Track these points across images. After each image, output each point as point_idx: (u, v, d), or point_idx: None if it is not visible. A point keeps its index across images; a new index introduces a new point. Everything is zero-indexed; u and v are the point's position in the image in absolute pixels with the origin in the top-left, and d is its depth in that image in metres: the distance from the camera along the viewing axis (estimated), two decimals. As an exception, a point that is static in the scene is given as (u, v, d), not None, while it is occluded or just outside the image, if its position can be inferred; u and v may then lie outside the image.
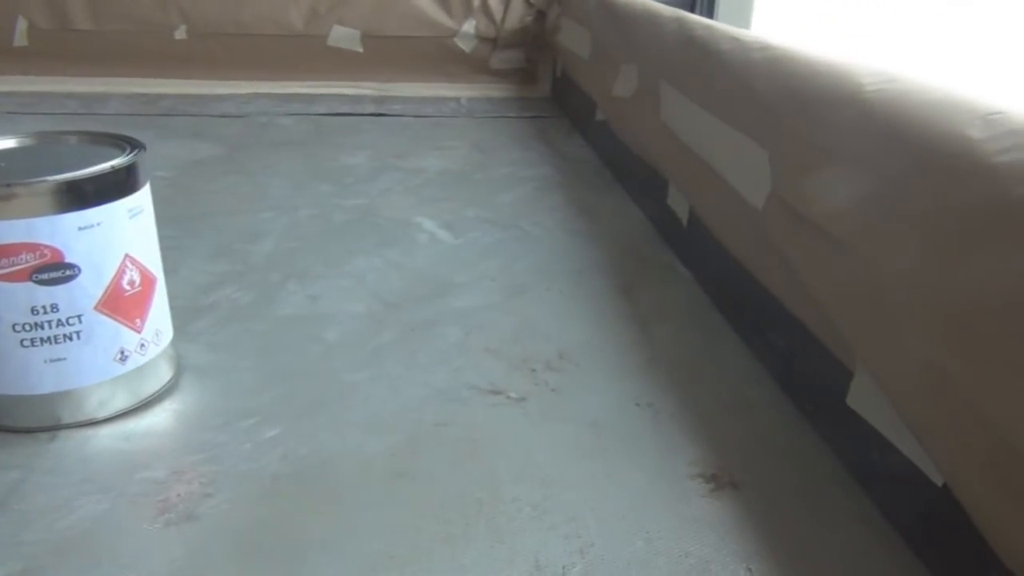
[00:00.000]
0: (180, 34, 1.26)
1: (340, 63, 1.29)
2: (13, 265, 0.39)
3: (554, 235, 0.71)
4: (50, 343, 0.40)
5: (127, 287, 0.42)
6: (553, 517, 0.37)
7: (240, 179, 0.85)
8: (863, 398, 0.37)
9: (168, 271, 0.60)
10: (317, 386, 0.47)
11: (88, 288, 0.40)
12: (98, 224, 0.40)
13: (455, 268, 0.64)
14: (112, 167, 0.40)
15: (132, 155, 0.42)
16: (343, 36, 1.28)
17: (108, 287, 0.41)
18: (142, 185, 0.43)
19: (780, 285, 0.46)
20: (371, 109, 1.19)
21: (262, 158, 0.93)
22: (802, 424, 0.44)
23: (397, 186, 0.84)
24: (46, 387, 0.41)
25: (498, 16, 1.30)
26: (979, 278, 0.28)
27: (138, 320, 0.43)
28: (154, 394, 0.45)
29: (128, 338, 0.43)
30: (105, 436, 0.42)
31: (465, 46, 1.31)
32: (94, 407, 0.43)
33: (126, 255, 0.42)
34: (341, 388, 0.47)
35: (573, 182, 0.87)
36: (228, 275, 0.61)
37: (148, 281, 0.44)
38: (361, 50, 1.29)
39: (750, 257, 0.50)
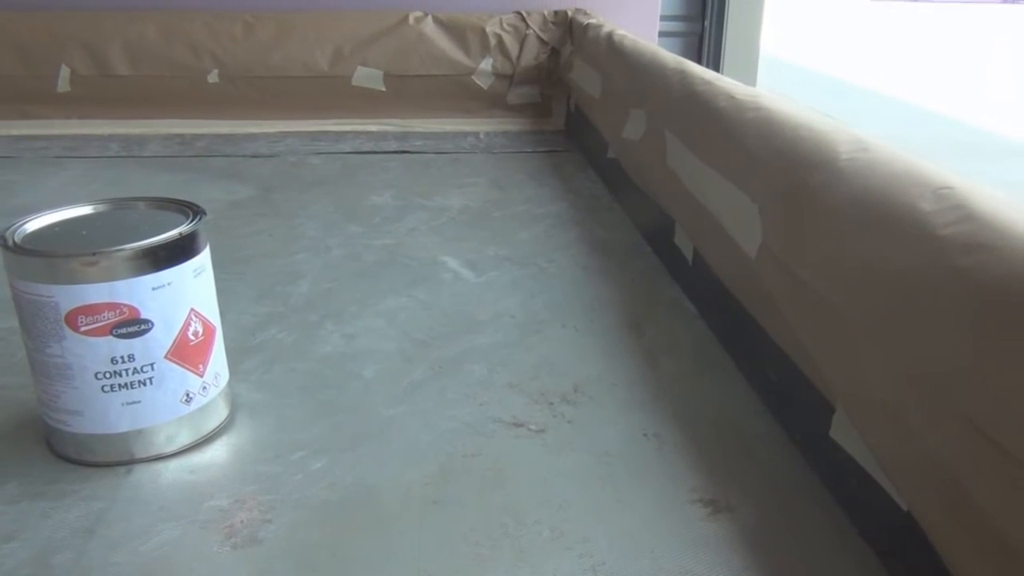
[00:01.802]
0: (213, 77, 1.33)
1: (364, 102, 1.36)
2: (96, 322, 0.44)
3: (568, 272, 0.77)
4: (127, 388, 0.46)
5: (192, 337, 0.48)
6: (569, 539, 0.42)
7: (275, 221, 0.91)
8: (843, 431, 0.42)
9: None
10: (358, 420, 0.52)
11: (160, 340, 0.46)
12: (168, 284, 0.46)
13: (478, 306, 0.69)
14: (180, 234, 0.46)
15: (196, 221, 0.48)
16: (367, 76, 1.35)
17: (176, 338, 0.47)
18: (203, 247, 0.49)
19: (772, 324, 0.51)
20: (394, 146, 1.25)
21: (294, 199, 0.99)
22: (792, 453, 0.49)
23: (422, 225, 0.90)
24: (123, 426, 0.47)
25: (514, 54, 1.36)
26: (927, 336, 0.33)
27: (201, 366, 0.49)
28: (214, 430, 0.51)
29: (192, 382, 0.48)
30: (173, 469, 0.47)
31: (483, 83, 1.37)
32: (163, 443, 0.49)
33: (191, 309, 0.48)
34: (380, 422, 0.52)
35: (586, 218, 0.92)
36: (271, 317, 0.67)
37: (209, 331, 0.49)
38: (384, 89, 1.36)
39: (746, 297, 0.55)
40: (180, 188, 1.04)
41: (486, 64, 1.36)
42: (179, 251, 0.46)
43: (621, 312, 0.68)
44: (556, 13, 1.37)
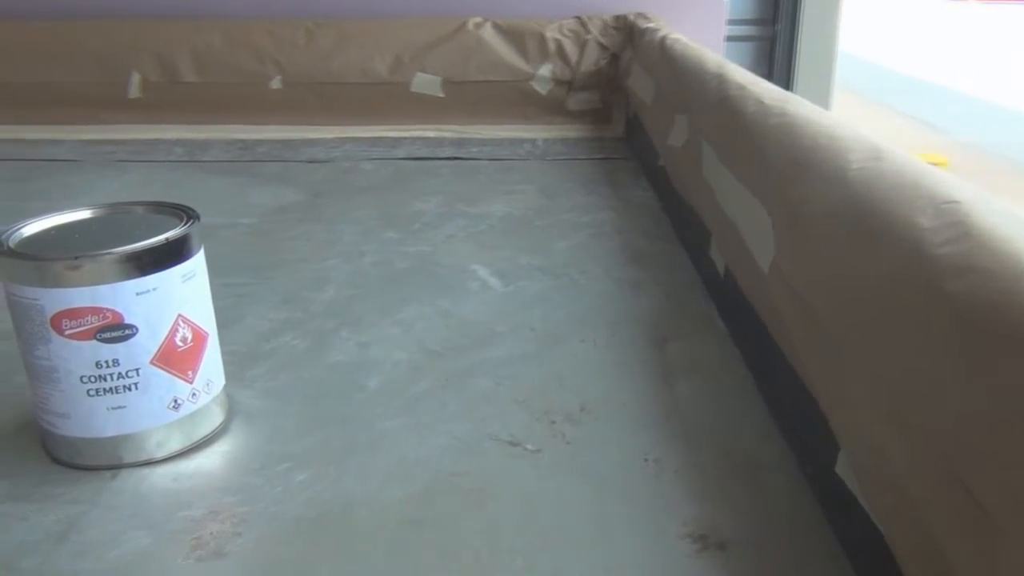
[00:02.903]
0: (276, 84, 1.35)
1: (423, 108, 1.36)
2: (80, 326, 0.44)
3: (600, 284, 0.74)
4: (112, 393, 0.46)
5: (180, 343, 0.47)
6: (540, 571, 0.39)
7: (316, 226, 0.91)
8: (845, 466, 0.39)
9: (235, 319, 0.67)
10: (351, 433, 0.51)
11: (145, 345, 0.46)
12: (153, 289, 0.45)
13: (499, 317, 0.67)
14: (166, 239, 0.46)
15: (185, 227, 0.47)
16: (425, 82, 1.35)
17: (162, 344, 0.46)
18: (196, 252, 0.48)
19: (785, 345, 0.47)
20: (450, 152, 1.24)
21: (340, 204, 0.99)
22: (801, 487, 0.45)
23: (460, 232, 0.89)
24: (109, 431, 0.47)
25: (573, 59, 1.34)
26: (912, 368, 0.29)
27: (190, 372, 0.48)
28: (206, 437, 0.50)
29: (181, 388, 0.48)
30: (158, 475, 0.47)
31: (541, 89, 1.35)
32: (152, 448, 0.48)
33: (179, 315, 0.47)
34: (372, 436, 0.51)
35: (630, 228, 0.89)
36: (288, 323, 0.67)
37: (200, 337, 0.49)
38: (442, 95, 1.35)
39: (763, 314, 0.52)
40: (232, 192, 1.05)
41: (545, 70, 1.34)
42: (165, 256, 0.46)
43: (647, 328, 0.65)
44: (617, 18, 1.34)
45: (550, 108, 1.37)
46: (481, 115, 1.36)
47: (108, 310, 0.44)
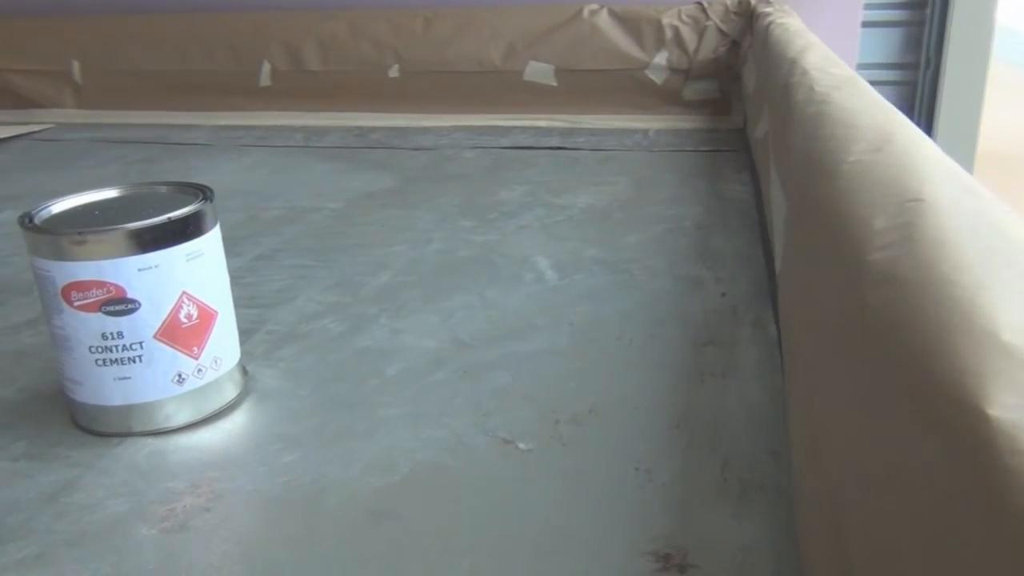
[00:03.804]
0: (394, 72, 1.38)
1: (535, 97, 1.35)
2: (86, 298, 0.46)
3: (658, 281, 0.70)
4: (118, 364, 0.48)
5: (184, 320, 0.49)
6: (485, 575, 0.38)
7: (396, 212, 0.92)
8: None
9: (287, 300, 0.68)
10: (350, 419, 0.51)
11: (148, 319, 0.47)
12: (156, 266, 0.47)
13: (542, 311, 0.65)
14: (168, 219, 0.47)
15: (192, 207, 0.48)
16: (538, 71, 1.33)
17: (165, 319, 0.48)
18: (207, 230, 0.50)
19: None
20: (556, 142, 1.23)
21: (427, 191, 1.00)
22: (791, 515, 0.41)
23: (536, 223, 0.87)
24: (116, 400, 0.49)
25: (691, 47, 1.29)
26: (825, 391, 0.25)
27: (196, 348, 0.50)
28: (216, 411, 0.52)
29: (185, 363, 0.49)
30: (158, 445, 0.49)
31: (657, 78, 1.31)
32: (161, 419, 0.50)
33: (183, 292, 0.48)
34: (371, 423, 0.50)
35: (712, 223, 0.84)
36: (334, 306, 0.67)
37: (207, 315, 0.50)
38: (555, 84, 1.34)
39: (788, 324, 0.47)
40: (332, 177, 1.08)
41: (660, 58, 1.30)
42: (168, 235, 0.47)
43: (692, 329, 0.61)
44: (740, 2, 1.28)
45: (666, 98, 1.32)
46: (594, 104, 1.33)
47: (111, 284, 0.46)
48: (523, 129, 1.31)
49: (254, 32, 1.43)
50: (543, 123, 1.33)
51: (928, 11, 1.40)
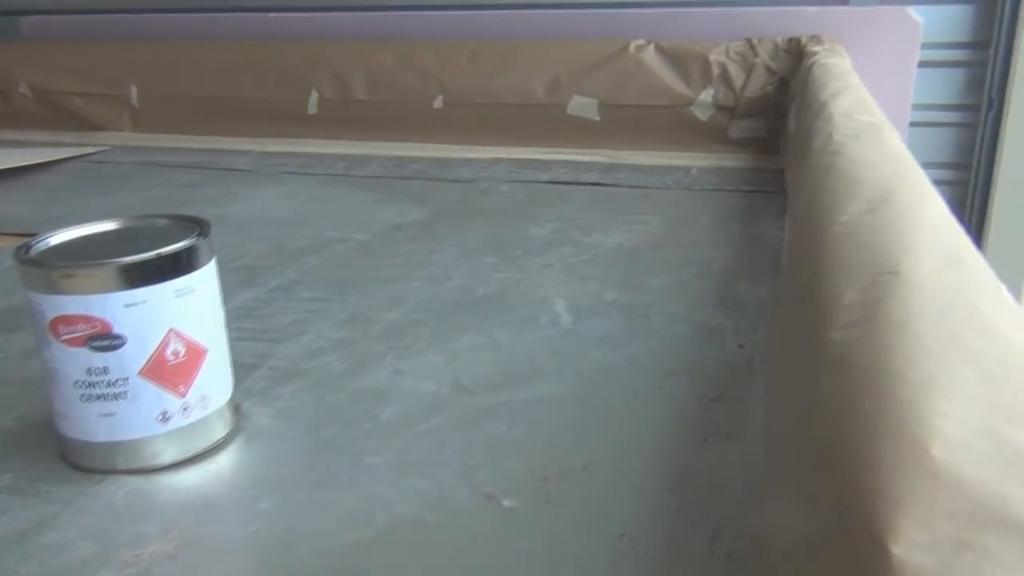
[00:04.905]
0: (438, 103, 1.38)
1: (578, 131, 1.33)
2: (73, 333, 0.46)
3: (675, 327, 0.68)
4: (102, 400, 0.47)
5: (171, 357, 0.48)
6: (438, 646, 0.36)
7: (421, 246, 0.91)
8: None
9: (296, 334, 0.68)
10: (336, 465, 0.50)
11: (133, 356, 0.47)
12: (143, 302, 0.46)
13: (551, 356, 0.63)
14: (157, 255, 0.47)
15: (183, 243, 0.48)
16: (581, 105, 1.32)
17: (151, 356, 0.47)
18: (199, 267, 0.49)
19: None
20: (596, 178, 1.21)
21: (457, 225, 0.99)
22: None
23: (559, 262, 0.85)
24: (100, 436, 0.48)
25: (738, 84, 1.26)
26: (778, 491, 0.23)
27: (182, 386, 0.49)
28: (203, 451, 0.51)
29: (171, 402, 0.49)
30: (139, 485, 0.48)
31: (702, 115, 1.28)
32: (147, 457, 0.49)
33: (171, 329, 0.48)
34: (356, 470, 0.49)
35: (739, 269, 0.81)
36: (342, 342, 0.66)
37: (195, 352, 0.49)
38: (598, 119, 1.32)
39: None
40: (364, 207, 1.08)
41: (706, 95, 1.27)
42: (156, 271, 0.47)
43: (701, 381, 0.59)
44: (790, 40, 1.24)
45: (711, 135, 1.29)
46: (637, 140, 1.31)
47: (98, 319, 0.46)
48: (564, 163, 1.30)
49: (304, 61, 1.45)
50: (585, 158, 1.31)
51: (992, 51, 1.34)
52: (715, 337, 0.66)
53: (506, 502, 0.46)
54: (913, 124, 1.37)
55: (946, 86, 1.38)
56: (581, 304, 0.73)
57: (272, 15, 1.54)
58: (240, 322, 0.70)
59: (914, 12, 1.28)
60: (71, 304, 0.46)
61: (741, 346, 0.64)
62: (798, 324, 0.27)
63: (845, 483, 0.17)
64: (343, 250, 0.90)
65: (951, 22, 1.34)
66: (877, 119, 0.55)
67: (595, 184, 1.17)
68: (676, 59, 1.28)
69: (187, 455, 0.50)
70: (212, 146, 1.47)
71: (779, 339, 0.33)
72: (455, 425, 0.54)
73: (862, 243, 0.29)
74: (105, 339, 0.46)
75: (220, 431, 0.52)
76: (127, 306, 0.46)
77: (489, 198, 1.12)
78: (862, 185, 0.36)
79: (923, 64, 1.29)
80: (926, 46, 1.29)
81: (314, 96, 1.45)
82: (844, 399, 0.20)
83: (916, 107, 1.36)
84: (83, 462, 0.49)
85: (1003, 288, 0.25)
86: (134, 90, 1.54)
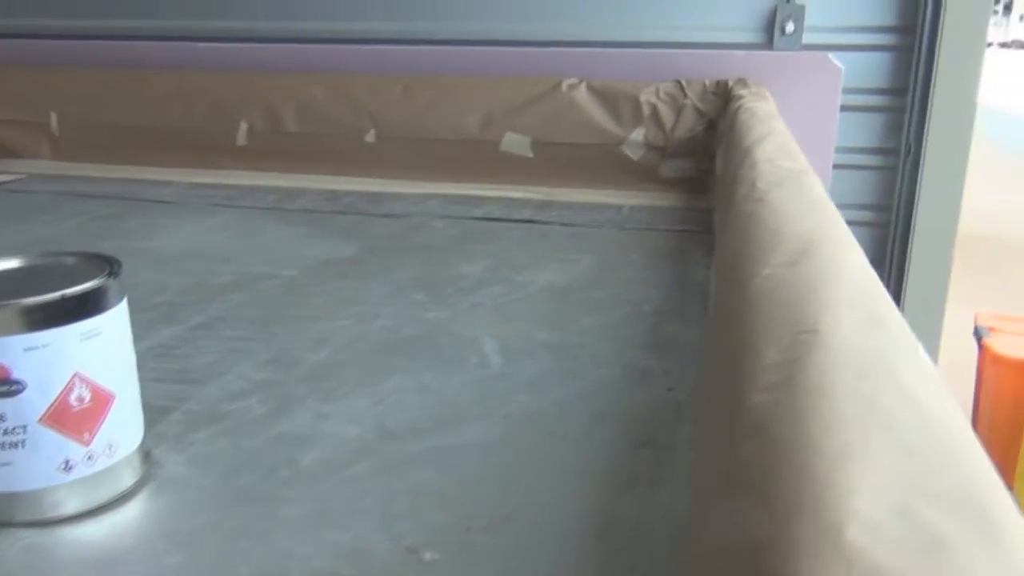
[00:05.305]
0: (370, 137, 1.37)
1: (512, 168, 1.33)
2: (-33, 377, 0.43)
3: (605, 370, 0.67)
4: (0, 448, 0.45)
5: (75, 403, 0.46)
6: None
7: (350, 283, 0.89)
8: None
9: (215, 375, 0.65)
10: (250, 516, 0.47)
11: (34, 402, 0.44)
12: (45, 346, 0.44)
13: (479, 399, 0.62)
14: (62, 296, 0.44)
15: (90, 284, 0.46)
16: (515, 142, 1.32)
17: (53, 403, 0.45)
18: (108, 308, 0.47)
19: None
20: (528, 215, 1.21)
21: (387, 262, 0.97)
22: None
23: (490, 301, 0.84)
24: (-4, 487, 0.45)
25: (668, 124, 1.28)
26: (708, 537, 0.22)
27: (87, 434, 0.46)
28: (109, 500, 0.48)
29: (74, 450, 0.46)
30: (36, 539, 0.45)
31: (633, 154, 1.30)
32: (46, 508, 0.46)
33: (75, 374, 0.45)
34: (270, 522, 0.47)
35: (671, 309, 0.82)
36: (262, 384, 0.64)
37: (101, 398, 0.47)
38: (531, 155, 1.32)
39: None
40: (294, 243, 1.06)
41: (637, 134, 1.29)
42: (61, 313, 0.44)
43: (630, 426, 0.58)
44: (718, 83, 1.27)
45: (642, 174, 1.31)
46: (570, 178, 1.32)
47: (-6, 364, 0.43)
48: (497, 199, 1.30)
49: (234, 91, 1.43)
50: (518, 195, 1.31)
51: (909, 97, 1.39)
52: (644, 380, 0.66)
53: (427, 555, 0.44)
54: (836, 167, 1.41)
55: (867, 130, 1.42)
56: (511, 345, 0.73)
57: (202, 45, 1.51)
58: (157, 361, 0.67)
59: (835, 57, 1.32)
60: (-34, 347, 0.43)
61: (670, 389, 0.64)
62: (722, 382, 0.27)
63: (763, 567, 0.16)
64: (269, 287, 0.88)
65: (871, 68, 1.39)
66: (800, 165, 0.56)
67: (528, 221, 1.17)
68: (607, 98, 1.30)
69: (91, 505, 0.47)
70: (135, 176, 1.43)
71: (704, 395, 0.33)
72: (378, 472, 0.52)
73: (782, 299, 0.29)
74: (3, 384, 0.44)
75: (128, 480, 0.49)
76: (27, 350, 0.44)
77: (422, 234, 1.11)
78: (783, 237, 0.36)
79: (845, 108, 1.33)
80: (847, 91, 1.33)
81: (243, 127, 1.42)
82: (763, 470, 0.19)
83: (839, 150, 1.40)
84: (-22, 514, 0.46)
85: (920, 348, 0.25)
86: (54, 117, 1.49)
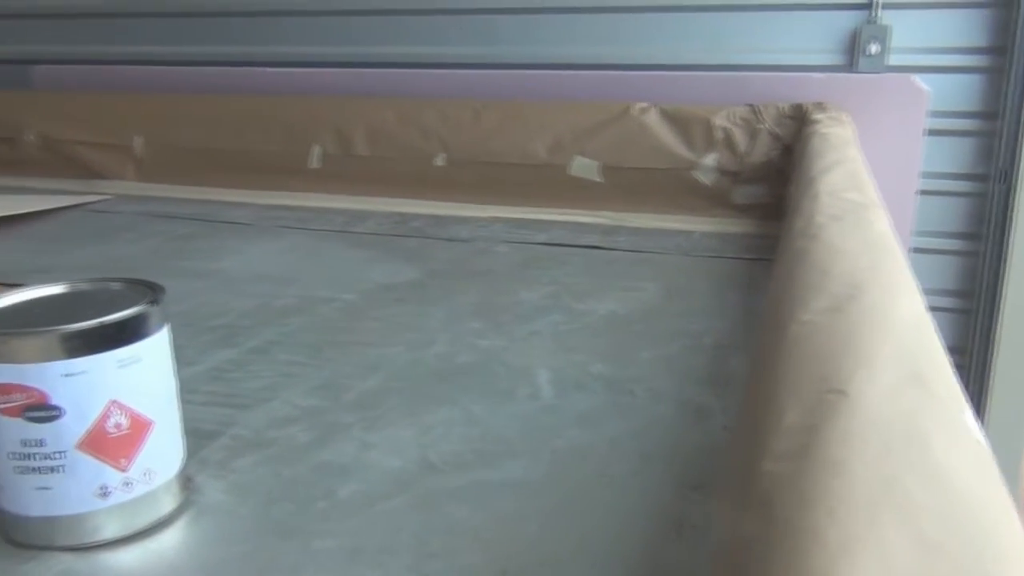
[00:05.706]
0: (439, 161, 1.38)
1: (580, 193, 1.32)
2: (9, 402, 0.44)
3: (660, 406, 0.65)
4: (37, 473, 0.45)
5: (112, 430, 0.46)
6: None
7: (409, 308, 0.89)
8: None
9: (264, 400, 0.65)
10: (282, 549, 0.47)
11: (72, 428, 0.45)
12: (83, 372, 0.44)
13: (526, 433, 0.61)
14: (100, 323, 0.45)
15: (128, 311, 0.46)
16: (583, 166, 1.31)
17: (91, 429, 0.45)
18: (147, 335, 0.47)
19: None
20: (595, 240, 1.19)
21: (447, 287, 0.97)
22: None
23: (548, 329, 0.83)
24: (35, 511, 0.46)
25: (742, 149, 1.24)
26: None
27: (124, 460, 0.47)
28: (146, 527, 0.48)
29: (111, 476, 0.46)
30: (73, 564, 0.45)
31: (705, 179, 1.26)
32: (85, 533, 0.47)
33: (112, 401, 0.45)
34: (301, 556, 0.46)
35: (734, 343, 0.78)
36: (310, 411, 0.64)
37: (140, 425, 0.47)
38: (600, 180, 1.31)
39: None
40: (357, 266, 1.06)
41: (710, 159, 1.25)
42: (99, 340, 0.45)
43: (681, 467, 0.55)
44: (794, 107, 1.23)
45: (715, 200, 1.28)
46: (639, 203, 1.30)
47: (34, 389, 0.44)
48: (564, 224, 1.28)
49: (308, 115, 1.45)
50: (586, 219, 1.29)
51: (1000, 121, 1.32)
52: (701, 418, 0.63)
53: (456, 599, 0.43)
54: (923, 192, 1.34)
55: (955, 155, 1.36)
56: (565, 377, 0.71)
57: (274, 70, 1.54)
58: (209, 384, 0.68)
59: (921, 80, 1.26)
60: (6, 372, 0.44)
61: (726, 428, 0.61)
62: (741, 442, 0.25)
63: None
64: (327, 311, 0.88)
65: (959, 91, 1.33)
66: (867, 198, 0.53)
67: (593, 247, 1.15)
68: (679, 122, 1.27)
69: (129, 531, 0.48)
70: (212, 197, 1.47)
71: (730, 453, 0.30)
72: (416, 507, 0.51)
73: (816, 351, 0.26)
74: (41, 410, 0.44)
75: (167, 505, 0.49)
76: (65, 376, 0.44)
77: (484, 259, 1.10)
78: (831, 278, 0.34)
79: (932, 132, 1.28)
80: (934, 114, 1.27)
81: (317, 150, 1.44)
82: (762, 551, 0.17)
83: (926, 175, 1.34)
84: (20, 536, 0.47)
85: (968, 411, 0.22)
86: (138, 140, 1.55)
